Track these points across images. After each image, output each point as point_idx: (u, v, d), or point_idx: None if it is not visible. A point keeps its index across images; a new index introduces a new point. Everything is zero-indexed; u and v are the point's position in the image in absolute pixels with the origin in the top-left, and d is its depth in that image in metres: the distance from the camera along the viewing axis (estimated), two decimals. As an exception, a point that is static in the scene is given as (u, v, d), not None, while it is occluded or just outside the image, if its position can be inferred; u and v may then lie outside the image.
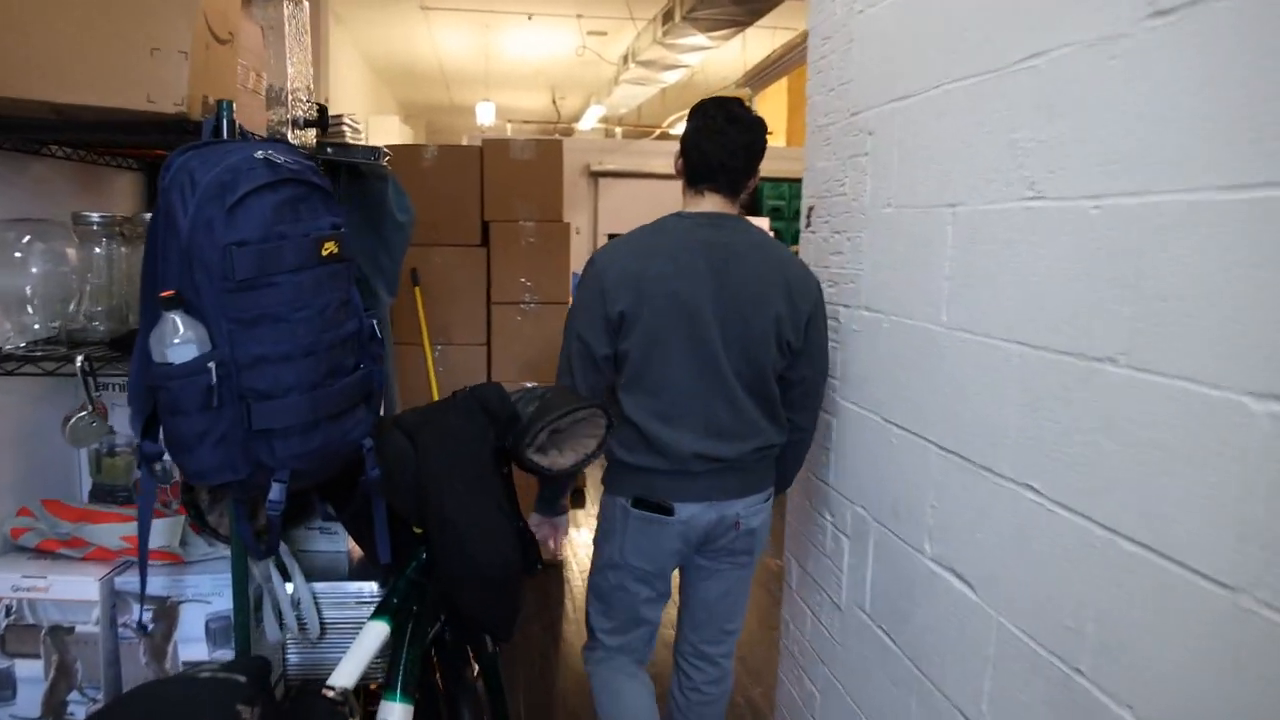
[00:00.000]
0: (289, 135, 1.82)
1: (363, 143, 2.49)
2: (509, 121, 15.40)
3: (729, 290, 1.95)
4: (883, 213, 1.87)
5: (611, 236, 8.58)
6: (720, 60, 11.40)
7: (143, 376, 1.28)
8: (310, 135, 1.95)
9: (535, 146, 4.10)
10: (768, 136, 2.07)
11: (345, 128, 4.39)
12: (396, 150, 4.12)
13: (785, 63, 9.70)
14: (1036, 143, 1.37)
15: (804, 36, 8.58)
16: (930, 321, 1.66)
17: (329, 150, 2.12)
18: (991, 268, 1.48)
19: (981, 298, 1.50)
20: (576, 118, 14.22)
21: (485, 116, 12.43)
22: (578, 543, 4.62)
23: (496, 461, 1.72)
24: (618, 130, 14.80)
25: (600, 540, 2.15)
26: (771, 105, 13.83)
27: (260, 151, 1.29)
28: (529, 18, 10.15)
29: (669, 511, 2.00)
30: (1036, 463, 1.36)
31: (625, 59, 10.68)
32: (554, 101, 15.34)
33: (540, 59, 12.58)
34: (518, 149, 4.10)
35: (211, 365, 1.24)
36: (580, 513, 5.10)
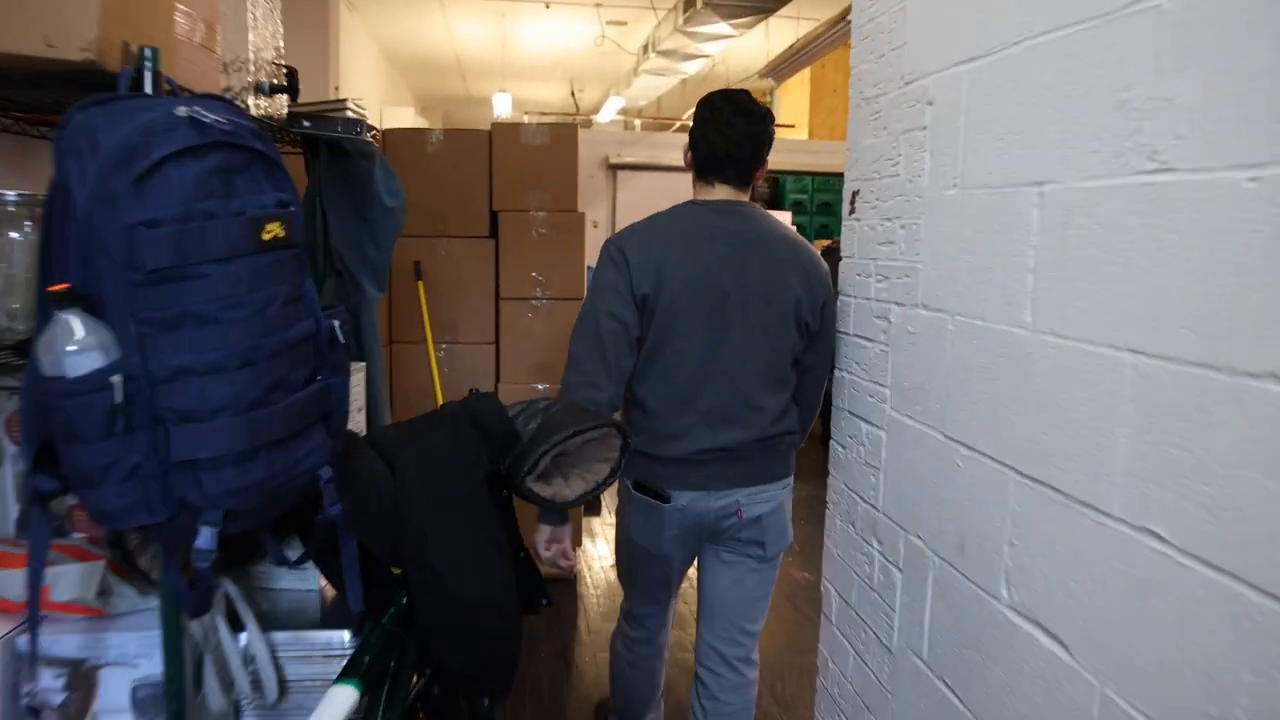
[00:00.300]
0: (250, 103, 1.56)
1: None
2: (526, 113, 15.16)
3: (749, 275, 1.99)
4: (946, 195, 1.59)
5: (629, 230, 8.35)
6: (742, 50, 11.11)
7: (35, 392, 1.02)
8: (280, 103, 1.68)
9: (548, 131, 3.84)
10: (776, 128, 2.11)
11: (350, 113, 4.14)
12: (399, 134, 3.87)
13: (809, 52, 9.39)
14: (1158, 102, 1.09)
15: (828, 25, 8.30)
16: (1010, 323, 1.38)
17: (305, 123, 1.87)
18: (1094, 258, 1.20)
19: (1080, 295, 1.22)
20: (595, 110, 13.96)
21: (502, 108, 12.19)
22: (592, 555, 4.36)
23: (491, 488, 1.46)
24: (637, 123, 14.54)
25: (618, 513, 2.25)
26: (793, 97, 13.54)
27: (184, 108, 1.02)
28: (547, 6, 9.91)
29: (665, 499, 2.04)
30: (1160, 502, 1.08)
31: (645, 49, 10.41)
32: (572, 93, 15.09)
33: (558, 50, 12.34)
34: (529, 133, 3.83)
35: (117, 379, 0.98)
36: (596, 521, 4.84)
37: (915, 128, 1.72)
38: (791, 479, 2.19)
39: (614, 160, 11.89)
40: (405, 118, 10.95)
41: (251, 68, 1.54)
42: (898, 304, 1.79)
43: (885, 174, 1.85)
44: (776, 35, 10.48)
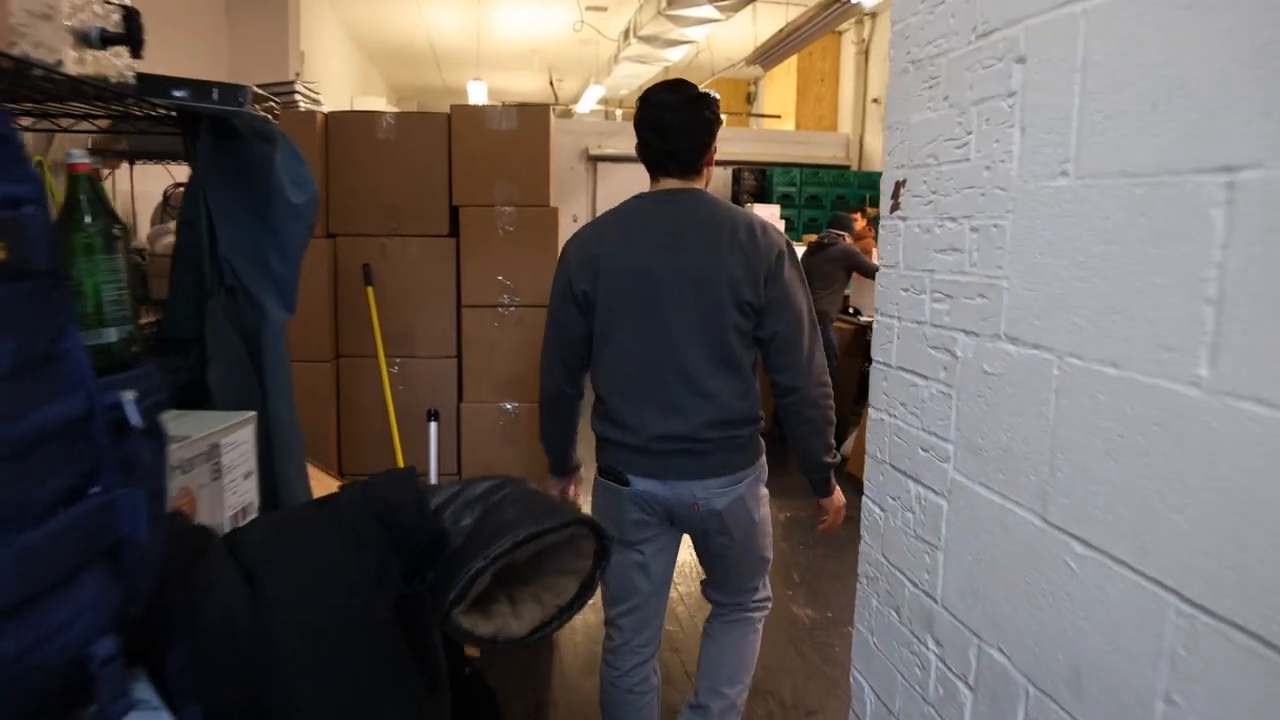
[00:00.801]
0: (69, 57, 1.08)
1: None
2: (503, 103, 14.63)
3: (681, 260, 2.02)
4: (1049, 187, 1.14)
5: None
6: (728, 37, 10.67)
7: None
8: (119, 62, 1.21)
9: (516, 114, 3.36)
10: (716, 108, 2.11)
11: (298, 97, 3.65)
12: (345, 118, 3.39)
13: (798, 37, 8.93)
14: None
15: (819, 8, 7.83)
16: (1170, 377, 0.93)
17: (175, 94, 1.39)
18: (1343, 286, 0.75)
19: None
20: (576, 100, 13.46)
21: (478, 97, 11.69)
22: (569, 591, 3.89)
23: (403, 620, 0.99)
24: (618, 112, 14.07)
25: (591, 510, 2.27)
26: (780, 86, 13.09)
27: None
28: (521, -12, 9.40)
29: (624, 482, 2.11)
30: None
31: (626, 34, 9.92)
32: (551, 83, 14.61)
33: (535, 37, 11.88)
34: (495, 117, 3.36)
35: None
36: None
37: (996, 95, 1.26)
38: (754, 469, 2.16)
39: (594, 152, 11.44)
40: (377, 108, 10.42)
41: (66, 8, 1.07)
42: (967, 333, 1.34)
43: (946, 159, 1.40)
44: (764, 20, 10.04)
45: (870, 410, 1.67)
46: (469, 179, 3.35)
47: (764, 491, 2.20)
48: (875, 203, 10.25)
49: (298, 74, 7.96)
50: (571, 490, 2.40)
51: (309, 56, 9.08)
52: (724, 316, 2.01)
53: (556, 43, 12.07)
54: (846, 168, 11.48)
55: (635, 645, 2.25)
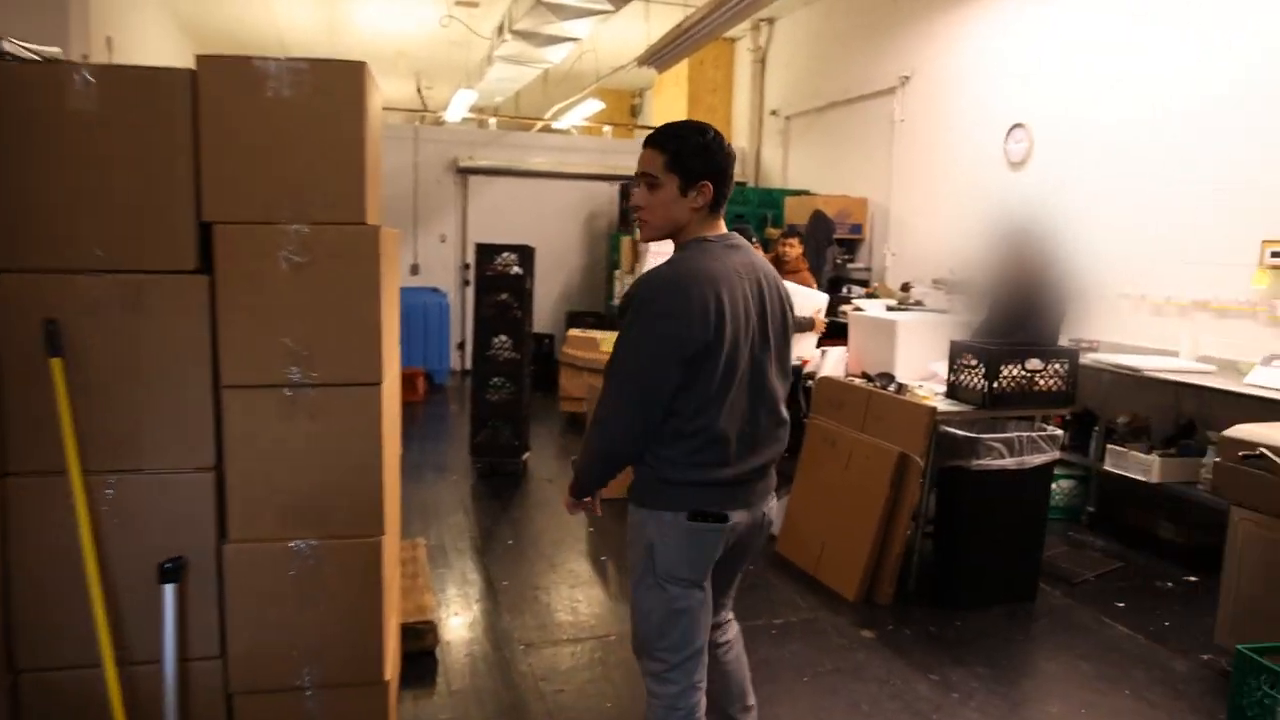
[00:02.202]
0: None
1: None
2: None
3: (766, 308, 2.13)
4: None
5: (481, 246, 6.27)
6: (613, 37, 9.54)
7: None
8: None
9: (310, 74, 2.06)
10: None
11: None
12: (8, 72, 2.02)
13: (696, 33, 7.81)
14: None
15: (718, 3, 6.69)
16: None
17: None
18: None
19: None
20: (446, 109, 12.09)
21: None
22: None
23: None
24: (491, 121, 12.79)
25: (645, 581, 2.12)
26: (669, 97, 12.04)
27: None
28: (381, -22, 8.06)
29: (723, 519, 2.08)
30: None
31: (500, 29, 8.66)
32: (419, 90, 13.26)
33: (400, 37, 10.54)
34: (277, 78, 2.05)
35: None
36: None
37: None
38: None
39: (464, 164, 10.14)
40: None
41: None
42: None
43: None
44: (658, 20, 8.95)
45: None
46: (231, 179, 2.03)
47: None
48: (777, 223, 9.32)
49: (85, 56, 6.42)
50: (596, 506, 2.29)
51: (120, 46, 7.52)
52: (788, 353, 2.21)
53: (423, 44, 10.77)
54: (743, 184, 10.49)
55: (697, 681, 2.16)
